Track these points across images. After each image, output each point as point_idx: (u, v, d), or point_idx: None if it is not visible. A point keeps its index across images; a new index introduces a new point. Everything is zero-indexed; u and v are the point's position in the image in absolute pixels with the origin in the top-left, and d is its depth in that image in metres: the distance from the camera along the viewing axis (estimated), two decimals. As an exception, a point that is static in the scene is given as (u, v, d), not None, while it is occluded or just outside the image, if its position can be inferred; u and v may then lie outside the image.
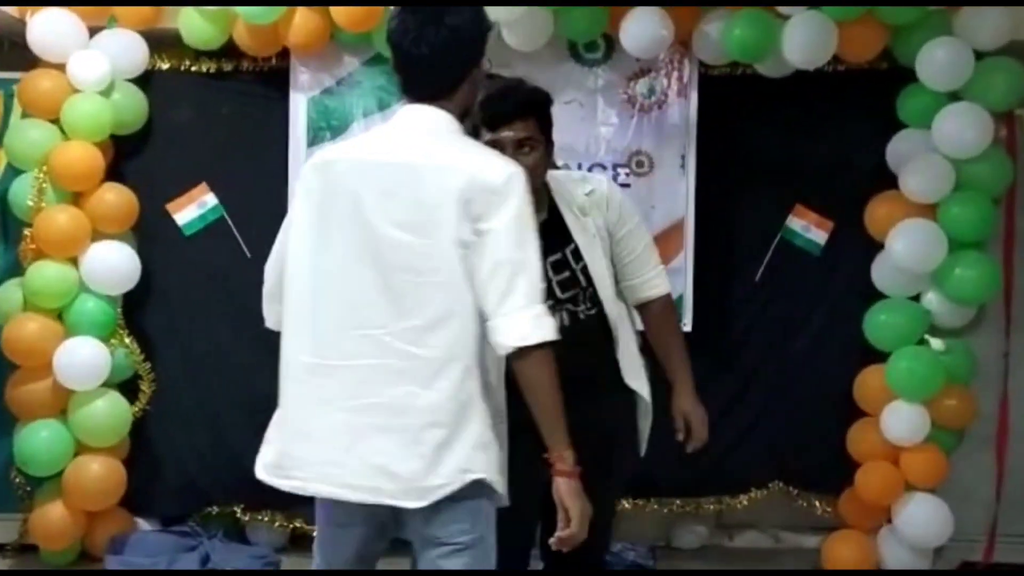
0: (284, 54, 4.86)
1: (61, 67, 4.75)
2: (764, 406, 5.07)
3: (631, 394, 3.22)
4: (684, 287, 4.80)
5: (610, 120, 4.87)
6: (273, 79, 4.93)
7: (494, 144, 2.97)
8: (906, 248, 4.65)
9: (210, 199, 4.97)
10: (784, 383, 5.05)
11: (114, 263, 4.80)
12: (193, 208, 4.96)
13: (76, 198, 4.85)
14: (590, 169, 4.78)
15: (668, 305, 3.27)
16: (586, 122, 4.85)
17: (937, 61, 4.58)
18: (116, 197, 4.84)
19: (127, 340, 4.93)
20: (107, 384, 4.82)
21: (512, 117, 3.00)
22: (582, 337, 3.11)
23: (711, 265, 4.92)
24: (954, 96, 4.65)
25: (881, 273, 4.82)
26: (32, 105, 4.82)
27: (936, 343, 4.77)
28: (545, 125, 3.07)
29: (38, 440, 4.75)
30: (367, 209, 2.58)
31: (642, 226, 3.24)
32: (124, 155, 4.96)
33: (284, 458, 2.69)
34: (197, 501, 5.07)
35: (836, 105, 4.91)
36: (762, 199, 4.99)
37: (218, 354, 5.01)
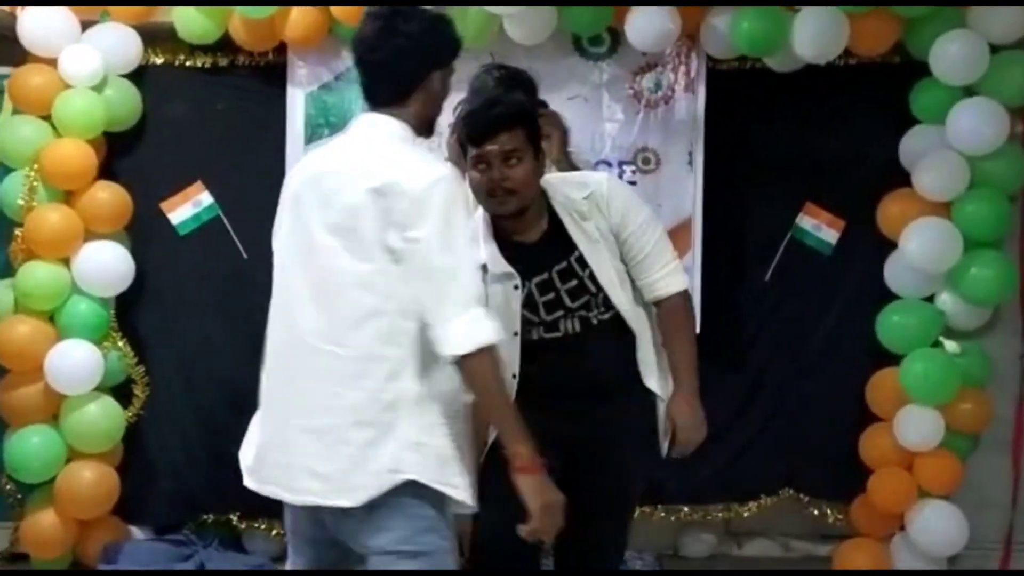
0: (281, 48, 4.84)
1: (52, 62, 4.73)
2: (773, 410, 5.06)
3: (652, 395, 3.19)
4: (691, 288, 4.73)
5: (615, 116, 4.85)
6: (270, 74, 4.90)
7: (480, 159, 3.02)
8: (920, 247, 4.63)
9: (205, 198, 4.95)
10: (794, 386, 5.03)
11: (107, 264, 4.78)
12: (188, 207, 4.94)
13: (68, 197, 4.82)
14: (595, 166, 4.75)
15: (679, 304, 3.21)
16: (591, 118, 4.82)
17: (951, 55, 4.56)
18: (109, 196, 4.82)
19: (120, 343, 4.91)
20: (100, 388, 4.80)
21: (495, 131, 3.00)
22: (595, 341, 3.12)
23: (719, 265, 4.90)
24: (969, 91, 4.63)
25: (894, 273, 4.80)
26: (23, 101, 4.79)
27: (951, 345, 4.75)
28: (532, 135, 3.06)
29: (29, 446, 4.73)
30: (307, 217, 2.71)
31: (651, 223, 3.19)
32: (117, 152, 4.94)
33: (252, 459, 2.83)
34: (192, 509, 5.04)
35: (847, 100, 4.90)
36: (772, 197, 4.97)
37: (214, 358, 4.99)
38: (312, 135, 4.90)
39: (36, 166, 4.73)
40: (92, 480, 4.75)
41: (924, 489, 4.76)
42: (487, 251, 3.09)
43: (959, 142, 4.60)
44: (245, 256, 4.81)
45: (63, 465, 4.77)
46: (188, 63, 4.93)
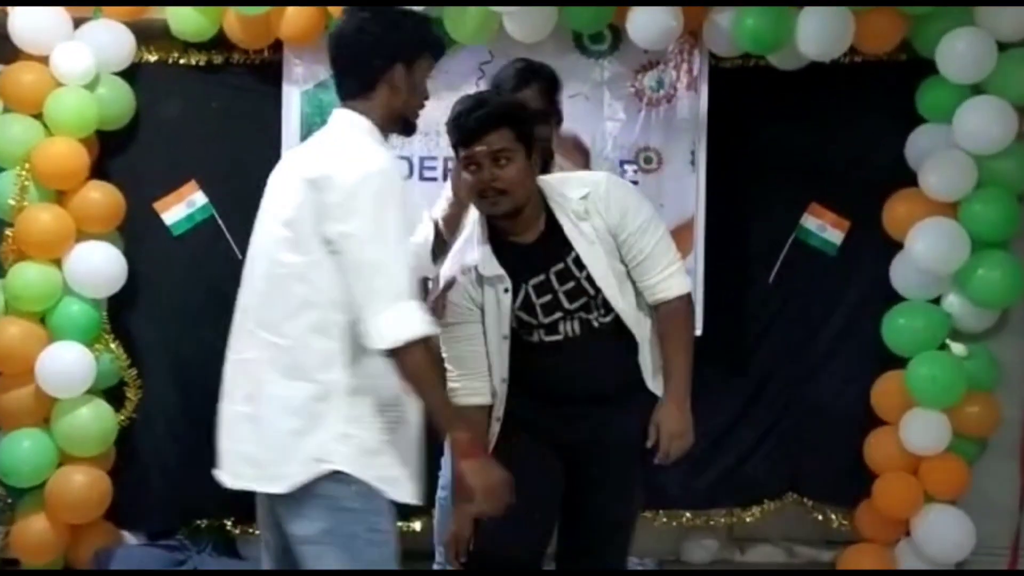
0: (277, 46, 4.83)
1: (44, 59, 4.72)
2: (777, 414, 5.07)
3: (654, 399, 3.18)
4: (694, 289, 4.72)
5: (617, 115, 4.84)
6: (265, 72, 4.89)
7: (469, 160, 3.03)
8: (926, 248, 4.63)
9: (199, 197, 4.94)
10: (798, 390, 5.04)
11: (99, 264, 4.76)
12: (182, 207, 4.93)
13: (59, 196, 4.81)
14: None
15: (678, 308, 3.18)
16: (591, 117, 4.81)
17: (958, 52, 4.56)
18: (101, 196, 4.81)
19: (112, 345, 4.89)
20: (92, 391, 4.78)
21: (483, 132, 3.01)
22: (596, 345, 3.11)
23: (722, 266, 4.90)
24: (976, 89, 4.63)
25: (900, 274, 4.80)
26: (13, 99, 4.78)
27: (958, 348, 4.75)
28: (523, 134, 3.06)
29: (20, 450, 4.71)
30: (266, 210, 2.86)
31: (651, 224, 3.16)
32: (110, 152, 4.93)
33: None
34: (186, 514, 5.02)
35: (853, 99, 4.90)
36: (776, 197, 4.98)
37: (207, 360, 4.90)
38: (308, 133, 4.84)
39: (27, 165, 4.72)
40: (84, 484, 4.74)
41: (930, 494, 4.76)
42: (480, 253, 3.09)
43: (966, 141, 4.59)
44: (240, 257, 4.75)
45: (54, 469, 4.76)
46: (182, 61, 4.92)
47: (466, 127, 3.02)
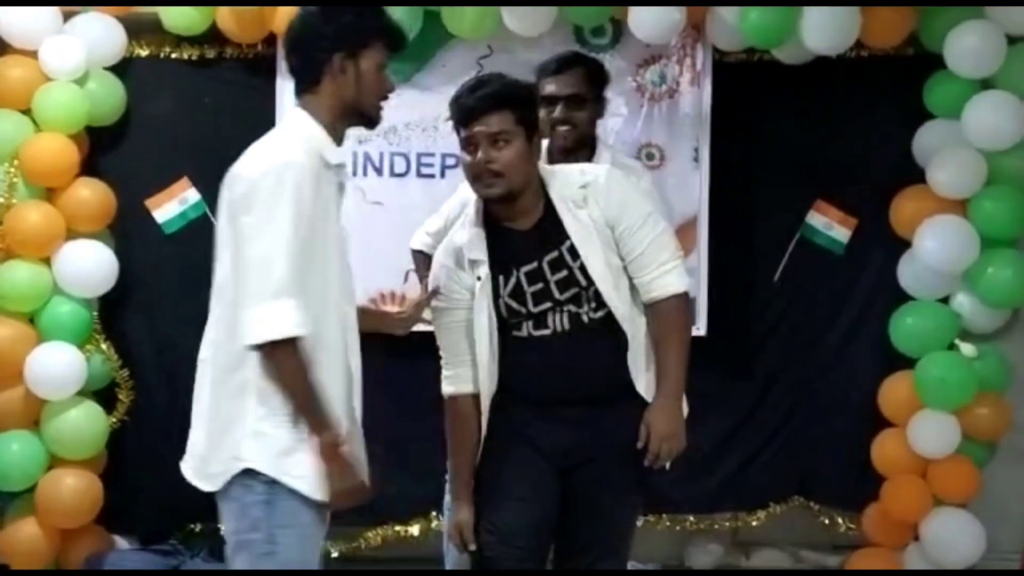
0: (271, 40, 4.80)
1: (33, 54, 4.71)
2: (783, 416, 5.07)
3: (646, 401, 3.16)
4: (698, 288, 4.77)
5: (618, 110, 4.82)
6: (259, 67, 4.88)
7: (467, 141, 3.05)
8: (935, 247, 4.63)
9: (192, 195, 4.92)
10: (804, 391, 5.05)
11: (90, 263, 4.76)
12: (174, 204, 4.92)
13: (49, 194, 4.80)
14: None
15: (673, 306, 3.15)
16: (593, 112, 4.82)
17: (967, 46, 4.56)
18: (92, 193, 4.79)
19: (104, 346, 4.88)
20: (82, 393, 4.76)
21: (482, 112, 3.02)
22: (586, 342, 3.09)
23: (727, 265, 4.91)
24: (985, 84, 4.64)
25: (908, 273, 4.81)
26: (2, 95, 4.77)
27: (967, 348, 4.75)
28: (525, 119, 3.06)
29: (9, 453, 4.70)
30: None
31: (650, 220, 3.14)
32: (100, 148, 4.92)
33: None
34: (179, 518, 5.01)
35: (859, 94, 4.90)
36: (781, 194, 4.99)
37: (201, 361, 4.96)
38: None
39: (16, 162, 4.71)
40: (75, 488, 4.72)
41: (939, 497, 4.77)
42: (470, 234, 3.10)
43: (975, 137, 4.60)
44: (233, 255, 4.78)
45: (44, 472, 4.75)
46: (174, 55, 4.90)
47: (466, 107, 3.04)
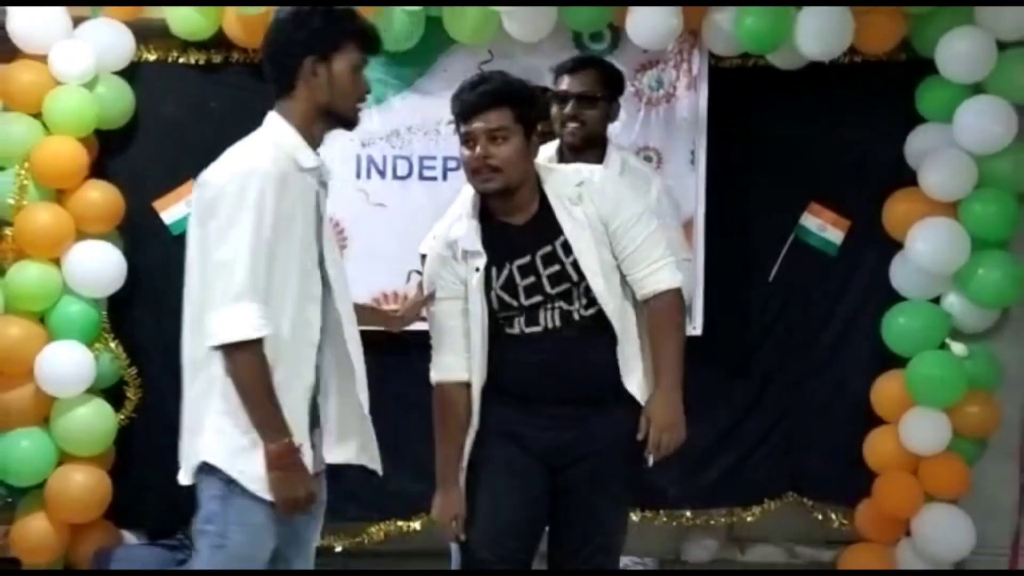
0: (276, 45, 4.81)
1: (43, 58, 4.72)
2: (778, 414, 5.08)
3: (635, 400, 3.15)
4: (694, 289, 4.75)
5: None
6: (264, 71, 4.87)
7: (467, 136, 3.05)
8: (926, 248, 4.64)
9: (199, 197, 4.92)
10: (798, 389, 5.06)
11: (99, 264, 4.76)
12: (181, 206, 4.89)
13: (59, 196, 4.81)
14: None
15: (668, 301, 3.14)
16: (591, 116, 4.81)
17: (958, 52, 4.57)
18: (101, 195, 4.80)
19: (112, 344, 4.89)
20: (91, 391, 4.77)
21: (482, 108, 3.03)
22: (576, 340, 3.09)
23: (722, 266, 4.90)
24: (976, 89, 4.64)
25: (900, 274, 4.81)
26: (13, 98, 4.79)
27: (958, 348, 4.75)
28: (523, 116, 3.07)
29: (19, 449, 4.71)
30: None
31: (644, 218, 3.15)
32: (109, 151, 4.93)
33: None
34: (186, 513, 4.89)
35: (852, 98, 4.91)
36: (775, 197, 4.99)
37: (207, 359, 4.96)
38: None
39: (26, 164, 4.73)
40: (84, 484, 4.73)
41: (930, 493, 4.76)
42: (466, 227, 3.11)
43: (966, 141, 4.60)
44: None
45: (54, 468, 4.75)
46: (182, 60, 4.91)
47: (466, 103, 3.05)
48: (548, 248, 3.07)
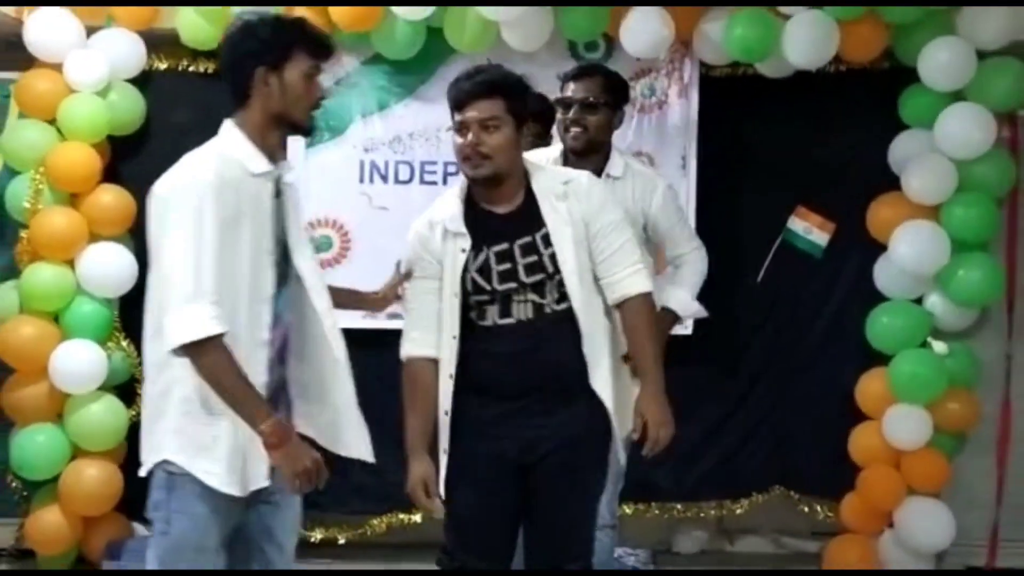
0: (282, 54, 4.81)
1: (58, 67, 4.74)
2: (765, 410, 5.08)
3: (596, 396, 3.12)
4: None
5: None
6: (270, 79, 4.88)
7: (460, 124, 3.04)
8: (909, 250, 4.64)
9: (207, 200, 4.92)
10: (786, 386, 5.06)
11: (111, 265, 4.77)
12: (190, 209, 4.91)
13: (73, 199, 4.83)
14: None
15: (644, 304, 3.14)
16: (586, 122, 4.82)
17: (939, 61, 4.57)
18: (113, 199, 4.81)
19: (124, 343, 4.89)
20: (104, 387, 4.79)
21: (475, 97, 3.02)
22: (546, 333, 3.07)
23: (712, 267, 4.84)
24: (957, 96, 4.65)
25: (884, 275, 4.82)
26: (29, 105, 4.81)
27: (938, 346, 4.76)
28: (515, 108, 3.06)
29: (34, 444, 4.73)
30: None
31: (623, 224, 3.16)
32: (122, 156, 4.94)
33: None
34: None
35: (838, 106, 4.92)
36: (763, 200, 5.00)
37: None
38: (312, 140, 4.83)
39: (42, 169, 4.75)
40: (96, 477, 4.74)
41: (912, 487, 4.77)
42: (453, 210, 3.10)
43: (947, 146, 4.61)
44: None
45: (67, 463, 4.77)
46: (191, 68, 4.93)
47: (461, 91, 3.04)
48: (528, 239, 3.06)
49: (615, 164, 3.77)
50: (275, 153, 2.87)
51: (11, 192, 4.83)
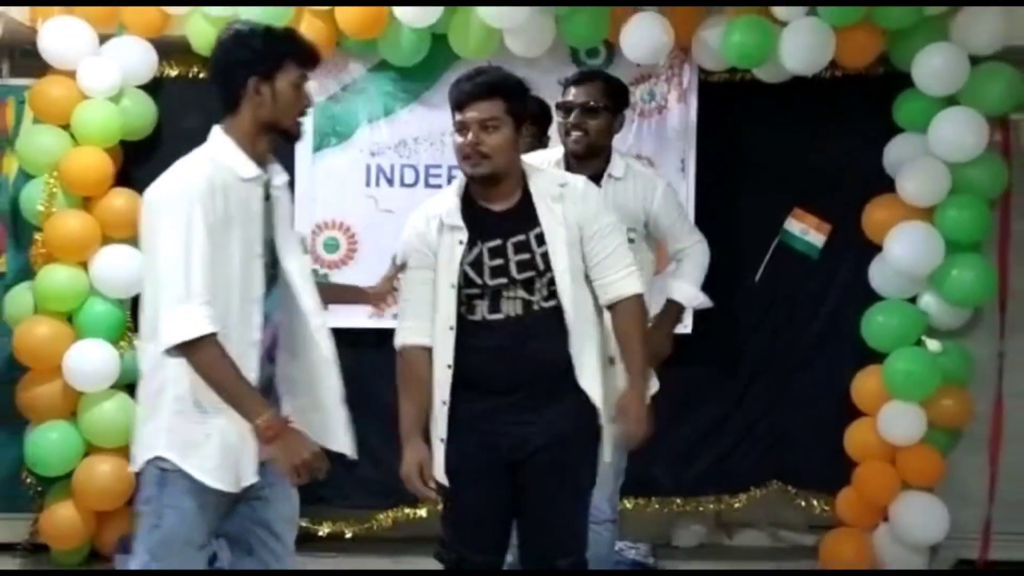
0: (290, 61, 4.81)
1: (72, 74, 4.75)
2: (763, 407, 5.10)
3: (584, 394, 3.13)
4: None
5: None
6: (279, 85, 4.87)
7: (462, 123, 3.05)
8: (903, 251, 4.65)
9: (217, 203, 4.92)
10: (783, 384, 5.07)
11: (123, 267, 4.76)
12: (201, 213, 4.91)
13: (86, 203, 4.85)
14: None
15: (636, 305, 3.15)
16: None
17: (933, 66, 4.58)
18: (125, 202, 4.80)
19: (136, 342, 4.87)
20: (116, 386, 4.78)
21: (476, 98, 3.04)
22: (536, 328, 3.07)
23: (711, 268, 4.84)
24: (950, 101, 4.66)
25: (879, 275, 4.82)
26: (43, 111, 4.82)
27: (932, 344, 4.78)
28: (515, 109, 3.07)
29: (48, 441, 4.75)
30: None
31: (617, 229, 3.18)
32: (133, 161, 4.95)
33: None
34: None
35: (834, 110, 4.93)
36: (761, 202, 5.01)
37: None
38: (320, 144, 4.95)
39: (56, 174, 4.77)
40: (109, 474, 4.74)
41: (907, 482, 4.78)
42: (451, 205, 3.11)
43: (941, 150, 4.61)
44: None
45: (81, 459, 4.78)
46: (201, 75, 4.92)
47: (463, 92, 3.06)
48: (522, 236, 3.07)
49: (616, 165, 3.77)
50: (263, 158, 2.89)
51: (26, 196, 4.85)
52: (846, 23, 4.52)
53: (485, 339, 3.08)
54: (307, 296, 2.92)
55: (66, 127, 4.77)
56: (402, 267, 3.20)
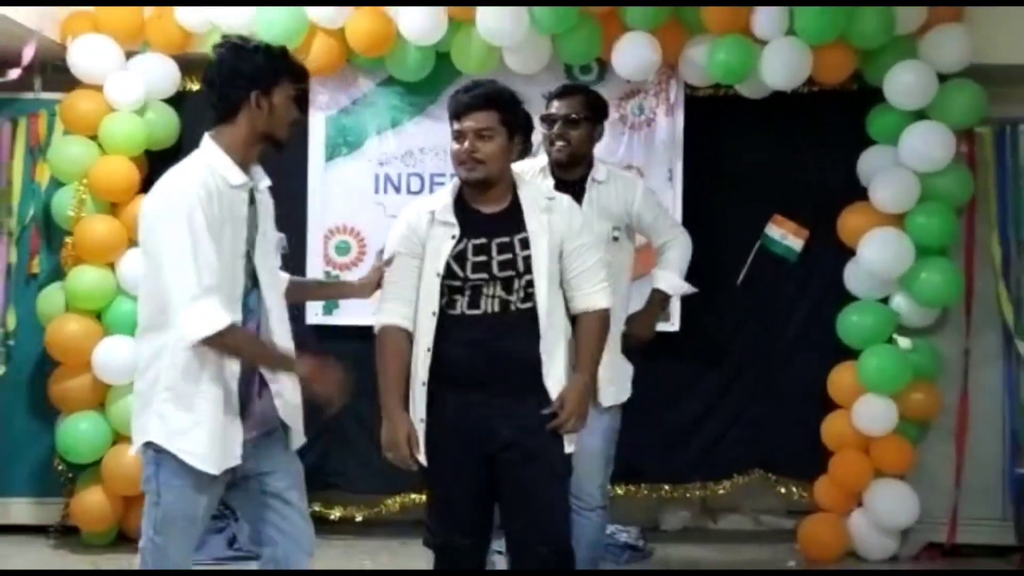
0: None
1: (99, 88, 4.80)
2: (746, 400, 5.13)
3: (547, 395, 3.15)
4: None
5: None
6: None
7: (459, 132, 3.11)
8: (876, 255, 4.70)
9: (235, 209, 4.97)
10: (764, 379, 5.10)
11: (148, 268, 4.81)
12: (219, 218, 4.97)
13: (113, 208, 4.90)
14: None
15: (600, 318, 3.22)
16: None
17: (904, 82, 4.63)
18: (150, 208, 4.85)
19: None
20: (142, 379, 4.83)
21: (473, 109, 3.10)
22: (509, 328, 3.12)
23: (696, 270, 4.84)
24: (919, 115, 4.71)
25: (853, 278, 4.86)
26: (73, 123, 4.88)
27: (903, 342, 4.81)
28: (508, 119, 3.13)
29: (79, 431, 4.80)
30: None
31: (595, 247, 3.25)
32: (157, 169, 4.76)
33: None
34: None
35: (811, 123, 4.97)
36: (743, 210, 5.04)
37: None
38: (332, 154, 5.01)
39: (85, 181, 4.82)
40: (135, 461, 4.53)
41: (879, 470, 4.82)
42: (444, 203, 3.16)
43: (911, 161, 4.67)
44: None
45: (109, 447, 4.83)
46: (222, 89, 4.96)
47: (460, 102, 3.12)
48: (506, 238, 3.12)
49: (599, 171, 3.81)
50: (250, 166, 2.93)
51: (57, 202, 4.90)
52: (822, 42, 4.56)
53: (463, 333, 3.11)
54: (269, 292, 2.97)
55: (94, 138, 4.82)
56: (389, 261, 3.21)
